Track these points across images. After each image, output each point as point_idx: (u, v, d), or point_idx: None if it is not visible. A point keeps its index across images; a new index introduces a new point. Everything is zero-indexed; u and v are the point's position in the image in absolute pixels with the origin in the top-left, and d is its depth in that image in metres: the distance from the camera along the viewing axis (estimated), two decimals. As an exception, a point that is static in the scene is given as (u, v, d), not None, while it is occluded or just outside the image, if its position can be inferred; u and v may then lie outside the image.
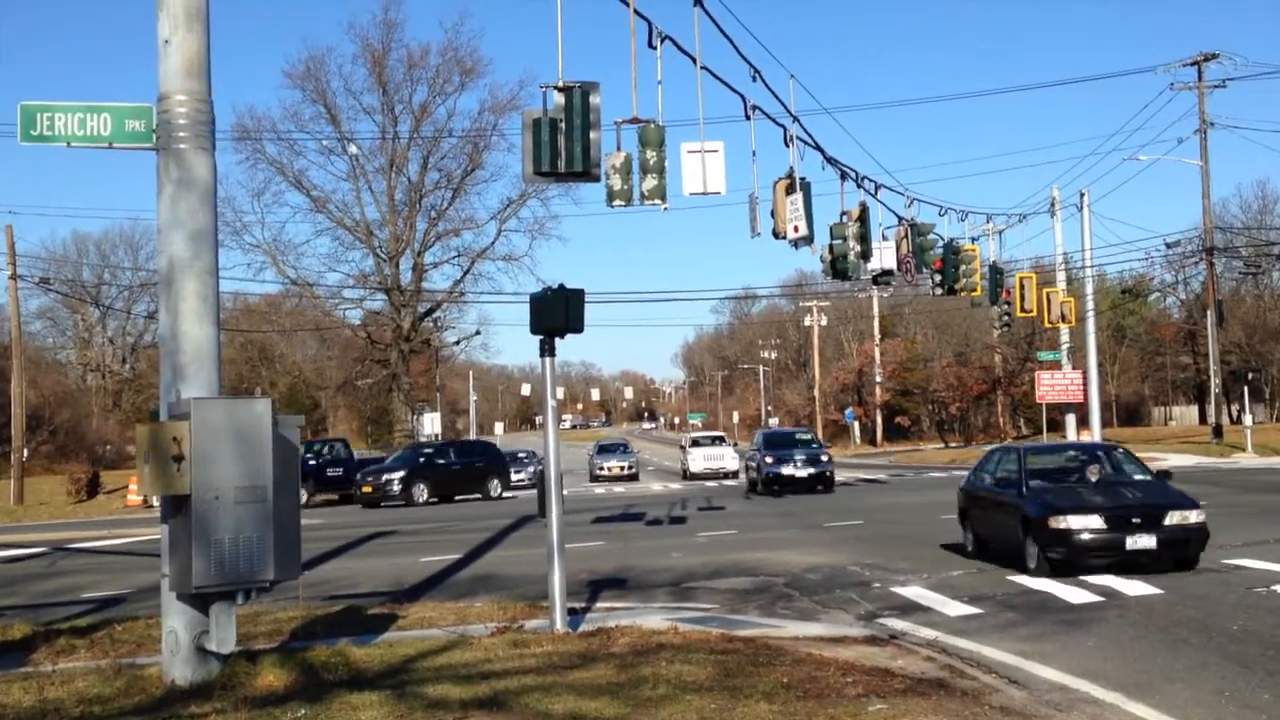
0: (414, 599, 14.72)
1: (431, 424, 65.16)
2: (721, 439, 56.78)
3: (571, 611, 12.01)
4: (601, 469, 56.97)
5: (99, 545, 26.54)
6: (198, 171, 9.26)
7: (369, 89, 64.15)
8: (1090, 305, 53.89)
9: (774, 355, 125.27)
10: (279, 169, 62.59)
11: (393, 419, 68.23)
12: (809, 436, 39.23)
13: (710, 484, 45.61)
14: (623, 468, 56.81)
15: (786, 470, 34.41)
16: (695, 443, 54.42)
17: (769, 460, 34.97)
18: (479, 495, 40.13)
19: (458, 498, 39.88)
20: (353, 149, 62.78)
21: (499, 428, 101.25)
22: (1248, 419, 49.58)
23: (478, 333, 75.62)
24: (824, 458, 35.22)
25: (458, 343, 76.90)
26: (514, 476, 50.91)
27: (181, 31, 9.20)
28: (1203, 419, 75.06)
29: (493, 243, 65.33)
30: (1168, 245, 56.48)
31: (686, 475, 51.47)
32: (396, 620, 12.31)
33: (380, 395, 73.23)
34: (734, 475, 47.98)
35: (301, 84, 62.93)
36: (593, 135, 12.58)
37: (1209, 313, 52.17)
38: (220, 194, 10.13)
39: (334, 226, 63.98)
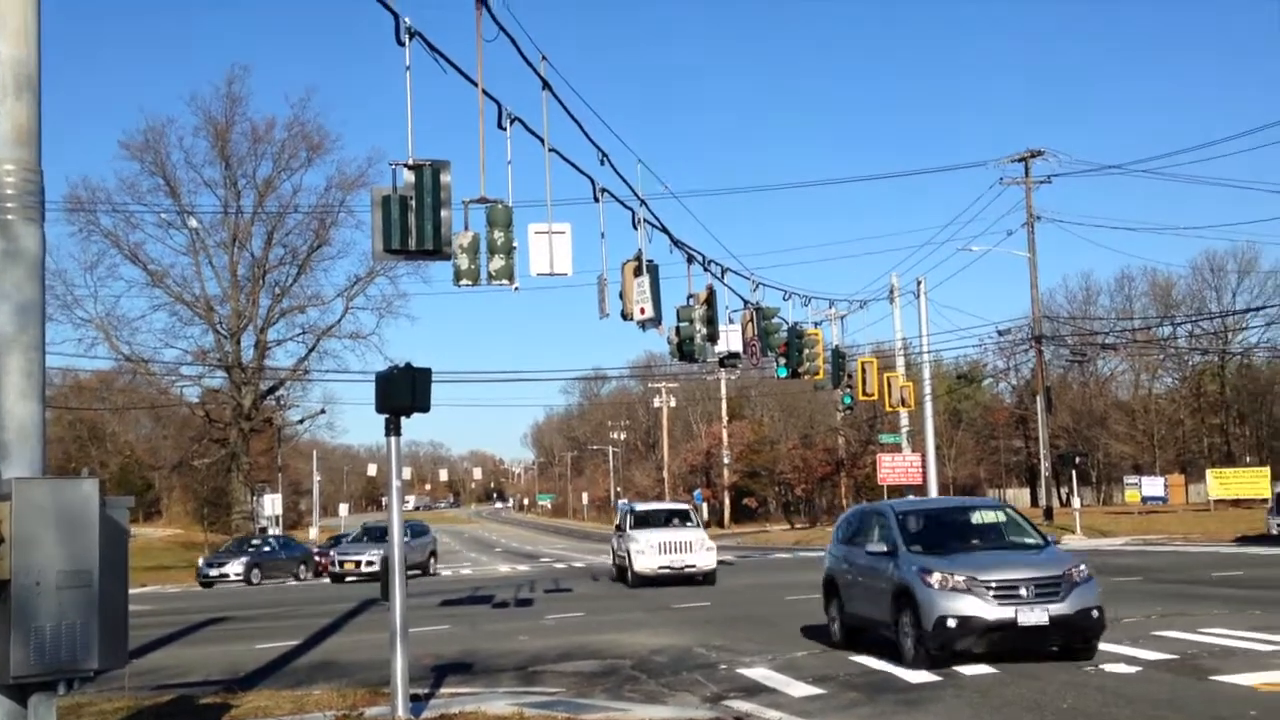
0: (249, 688, 14.21)
1: (272, 505, 63.43)
2: (685, 515, 33.65)
3: (414, 698, 11.74)
4: (342, 566, 41.02)
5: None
6: (25, 243, 8.94)
7: (210, 162, 63.16)
8: (928, 390, 55.61)
9: (624, 436, 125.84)
10: (114, 242, 61.00)
11: (231, 500, 66.21)
12: (1004, 515, 16.51)
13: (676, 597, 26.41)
14: (359, 564, 40.14)
15: (995, 611, 13.75)
16: (642, 520, 32.37)
17: (936, 581, 13.98)
18: None
19: None
20: (193, 223, 61.55)
21: (343, 509, 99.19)
22: (1076, 501, 51.52)
23: (322, 411, 74.32)
24: (1077, 572, 14.30)
25: (301, 421, 75.33)
26: (218, 570, 42.43)
27: (11, 99, 8.93)
28: (1034, 501, 77.68)
29: (339, 320, 64.48)
30: (999, 333, 58.84)
31: (629, 579, 30.73)
32: (230, 710, 11.86)
33: (218, 476, 71.07)
34: (709, 578, 30.30)
35: (139, 155, 61.58)
36: (444, 213, 12.57)
37: (1038, 398, 54.31)
38: (50, 266, 9.78)
39: (172, 301, 62.39)
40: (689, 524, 32.31)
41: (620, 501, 37.12)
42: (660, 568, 29.94)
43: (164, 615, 26.92)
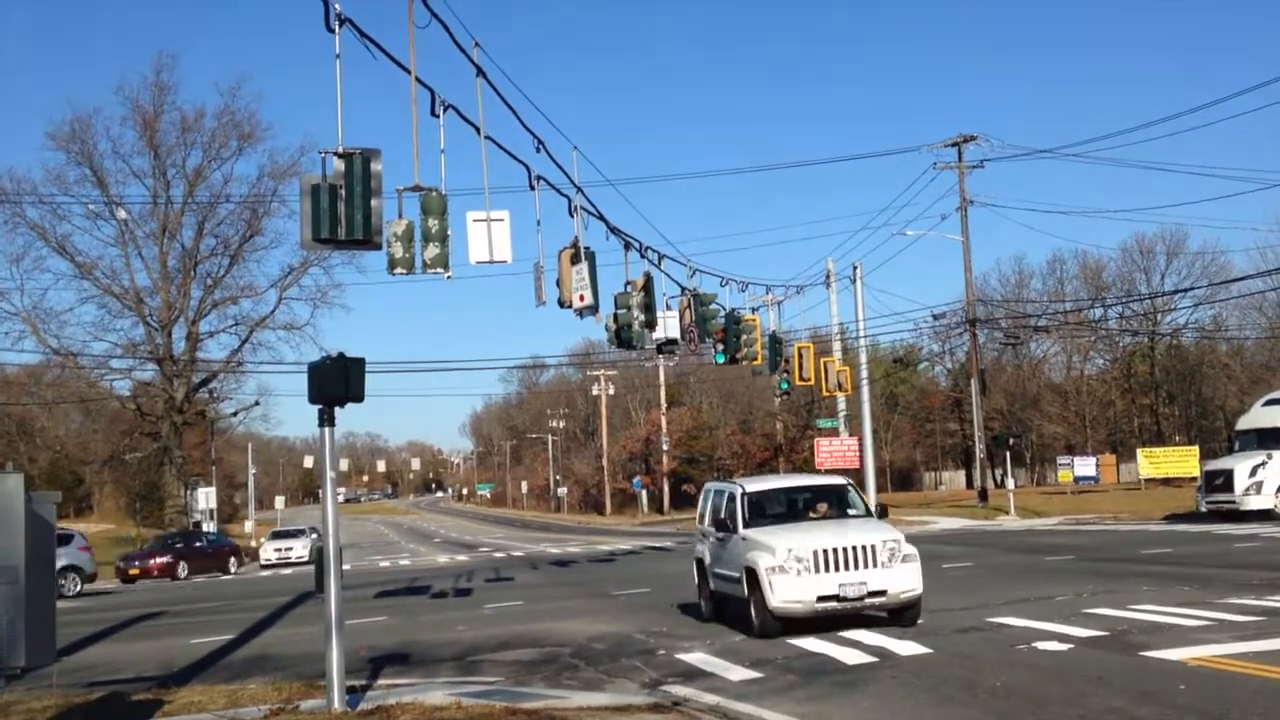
0: (183, 683, 14.06)
1: (206, 499, 62.64)
2: (842, 496, 17.57)
3: (351, 690, 11.66)
4: None
5: None
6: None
7: (139, 152, 62.21)
8: (864, 374, 56.02)
9: (563, 424, 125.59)
10: (41, 233, 60.01)
11: (164, 495, 65.30)
12: None
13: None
14: None
15: None
16: (759, 507, 17.26)
17: None
18: None
19: None
20: (122, 213, 60.51)
21: (279, 501, 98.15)
22: (1010, 483, 52.21)
23: (257, 403, 73.57)
24: None
25: (235, 414, 74.46)
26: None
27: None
28: (969, 483, 78.67)
29: (273, 311, 63.84)
30: (934, 317, 59.38)
31: (756, 622, 15.55)
32: (163, 706, 11.70)
33: (151, 470, 70.06)
34: (909, 614, 15.72)
35: (66, 146, 60.56)
36: (374, 202, 12.42)
37: (973, 381, 54.92)
38: (-28, 257, 9.55)
39: (101, 293, 61.42)
40: (852, 511, 17.40)
41: (714, 484, 19.63)
42: (822, 599, 15.30)
43: (95, 611, 26.50)
